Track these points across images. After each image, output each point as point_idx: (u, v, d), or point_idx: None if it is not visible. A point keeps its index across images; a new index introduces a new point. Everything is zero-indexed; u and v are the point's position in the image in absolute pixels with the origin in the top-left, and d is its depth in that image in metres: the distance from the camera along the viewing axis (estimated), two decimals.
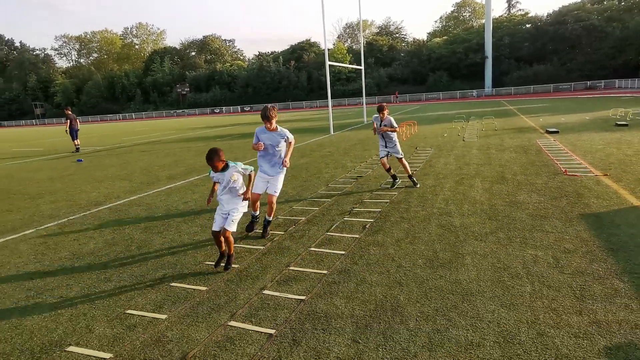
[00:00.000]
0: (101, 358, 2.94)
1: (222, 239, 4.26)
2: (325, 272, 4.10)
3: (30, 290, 4.13)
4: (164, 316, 3.46)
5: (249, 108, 73.37)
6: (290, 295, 3.67)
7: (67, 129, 17.70)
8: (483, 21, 69.33)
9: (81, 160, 14.79)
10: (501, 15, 74.99)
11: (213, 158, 4.07)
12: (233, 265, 4.35)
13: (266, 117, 4.94)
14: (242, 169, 4.25)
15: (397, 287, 3.70)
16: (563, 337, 2.83)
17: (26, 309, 3.76)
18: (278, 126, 5.13)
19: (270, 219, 5.32)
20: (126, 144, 21.48)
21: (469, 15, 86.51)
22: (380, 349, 2.83)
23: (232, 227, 4.22)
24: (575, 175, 7.45)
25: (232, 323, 3.28)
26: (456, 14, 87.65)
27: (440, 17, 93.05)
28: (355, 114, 34.33)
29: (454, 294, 3.51)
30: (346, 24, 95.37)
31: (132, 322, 3.40)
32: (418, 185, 7.36)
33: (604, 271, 3.73)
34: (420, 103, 55.67)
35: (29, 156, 17.64)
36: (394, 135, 7.31)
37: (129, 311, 3.59)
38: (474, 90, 62.20)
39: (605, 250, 4.18)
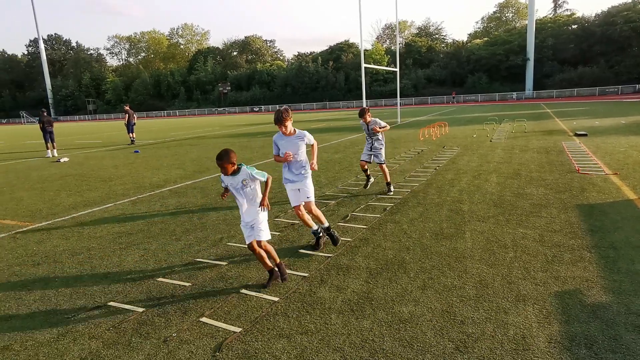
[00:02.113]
0: (183, 285, 4.08)
1: (262, 251, 3.88)
2: (349, 239, 5.11)
3: (122, 244, 5.38)
4: (224, 263, 4.57)
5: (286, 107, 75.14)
6: (319, 254, 4.69)
7: (126, 122, 19.62)
8: (526, 22, 67.80)
9: (138, 152, 16.47)
10: (545, 16, 73.06)
11: (223, 159, 3.65)
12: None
13: (279, 121, 4.43)
14: (255, 174, 3.76)
15: (405, 250, 4.66)
16: (527, 284, 3.70)
17: (121, 255, 4.98)
18: (296, 129, 4.63)
19: (326, 224, 4.82)
20: (175, 138, 23.26)
21: (512, 16, 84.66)
22: (386, 287, 3.81)
23: (264, 236, 3.85)
24: (587, 173, 8.06)
25: (276, 269, 4.34)
26: (498, 15, 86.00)
27: (482, 18, 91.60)
28: (390, 115, 34.96)
29: (450, 257, 4.43)
30: (385, 25, 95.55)
31: (201, 266, 4.53)
32: (391, 193, 7.26)
33: (577, 245, 4.53)
34: (457, 105, 55.38)
35: (92, 147, 19.62)
36: (382, 139, 7.38)
37: (197, 259, 4.73)
38: (513, 93, 61.17)
39: (587, 231, 4.96)
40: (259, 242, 3.83)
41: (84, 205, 7.67)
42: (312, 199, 4.72)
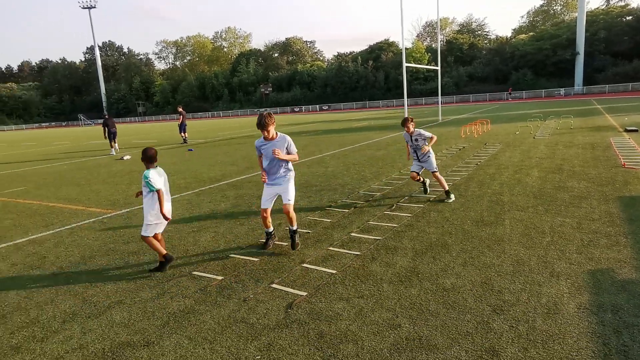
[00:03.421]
0: (252, 260, 4.74)
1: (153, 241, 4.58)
2: (395, 225, 5.61)
3: (194, 227, 6.14)
4: (285, 243, 5.19)
5: (327, 107, 75.92)
6: (370, 237, 5.23)
7: (179, 123, 20.99)
8: (576, 14, 64.95)
9: (192, 150, 17.62)
10: (597, 8, 69.63)
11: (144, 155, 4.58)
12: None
13: (262, 126, 4.56)
14: (145, 183, 4.44)
15: (447, 235, 5.11)
16: (561, 264, 4.08)
17: (195, 236, 5.73)
18: (278, 133, 4.79)
19: (295, 227, 4.95)
20: (223, 137, 24.46)
21: (561, 9, 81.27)
22: (430, 264, 4.29)
23: (145, 232, 4.48)
24: (633, 168, 8.11)
25: (331, 248, 4.93)
26: (545, 8, 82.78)
27: (528, 12, 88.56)
28: (431, 113, 34.84)
29: (489, 240, 4.84)
30: (426, 23, 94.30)
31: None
32: (452, 200, 6.68)
33: (614, 232, 4.82)
34: (501, 102, 54.04)
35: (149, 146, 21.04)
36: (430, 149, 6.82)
37: (262, 240, 5.38)
38: (561, 89, 58.79)
39: (625, 220, 5.20)
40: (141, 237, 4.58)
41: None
42: (292, 201, 4.86)
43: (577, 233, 4.86)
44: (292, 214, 4.86)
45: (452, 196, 6.77)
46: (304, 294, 3.83)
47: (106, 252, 5.34)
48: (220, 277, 4.32)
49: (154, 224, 4.53)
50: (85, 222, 6.87)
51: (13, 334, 3.48)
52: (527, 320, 3.14)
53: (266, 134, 4.65)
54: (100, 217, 7.10)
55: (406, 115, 7.02)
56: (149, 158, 4.57)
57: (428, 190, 7.23)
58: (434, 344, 2.93)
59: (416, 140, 6.77)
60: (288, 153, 4.81)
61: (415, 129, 6.77)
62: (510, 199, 6.47)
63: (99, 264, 4.93)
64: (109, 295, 4.08)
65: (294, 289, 3.96)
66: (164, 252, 4.61)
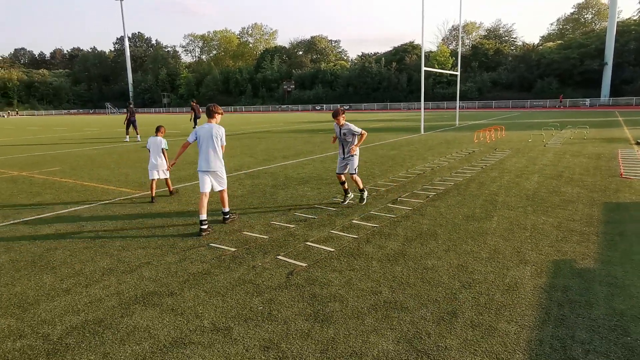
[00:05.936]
0: (262, 237, 5.41)
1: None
2: (393, 216, 6.21)
3: (212, 208, 6.86)
4: (292, 226, 5.86)
5: (348, 107, 76.37)
6: (368, 224, 5.84)
7: (192, 117, 21.96)
8: (606, 24, 63.77)
9: None
10: (629, 18, 68.16)
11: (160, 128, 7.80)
12: None
13: (212, 112, 5.93)
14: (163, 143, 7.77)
15: (438, 226, 5.68)
16: (531, 253, 4.62)
17: (214, 216, 6.44)
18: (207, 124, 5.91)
19: (227, 209, 6.06)
20: (244, 131, 25.31)
21: (592, 18, 79.72)
22: (417, 248, 4.88)
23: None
24: (629, 178, 8.48)
25: (332, 231, 5.56)
26: (576, 16, 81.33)
27: (558, 20, 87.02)
28: (450, 117, 35.03)
29: (475, 232, 5.39)
30: (452, 26, 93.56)
31: (274, 227, 5.85)
32: (364, 202, 6.90)
33: (589, 231, 5.31)
34: (523, 110, 53.61)
35: (172, 136, 22.05)
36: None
37: (272, 222, 6.06)
38: (587, 99, 57.91)
39: (603, 222, 5.68)
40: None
41: (179, 181, 9.37)
42: (225, 187, 6.12)
43: (555, 231, 5.37)
44: (225, 197, 6.11)
45: (365, 197, 6.97)
46: (304, 264, 4.47)
47: (135, 225, 6.10)
48: (233, 249, 5.00)
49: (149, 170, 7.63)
50: (117, 199, 7.67)
51: (63, 280, 4.23)
52: (488, 294, 3.72)
53: (213, 121, 5.93)
54: (130, 196, 7.90)
55: (338, 108, 6.81)
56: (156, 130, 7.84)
57: (346, 202, 6.95)
58: (406, 307, 3.54)
59: (344, 134, 6.64)
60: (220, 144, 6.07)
61: (346, 123, 6.62)
62: (504, 200, 6.99)
63: (130, 234, 5.69)
64: (139, 257, 4.81)
65: (296, 260, 4.61)
66: (152, 194, 7.49)
